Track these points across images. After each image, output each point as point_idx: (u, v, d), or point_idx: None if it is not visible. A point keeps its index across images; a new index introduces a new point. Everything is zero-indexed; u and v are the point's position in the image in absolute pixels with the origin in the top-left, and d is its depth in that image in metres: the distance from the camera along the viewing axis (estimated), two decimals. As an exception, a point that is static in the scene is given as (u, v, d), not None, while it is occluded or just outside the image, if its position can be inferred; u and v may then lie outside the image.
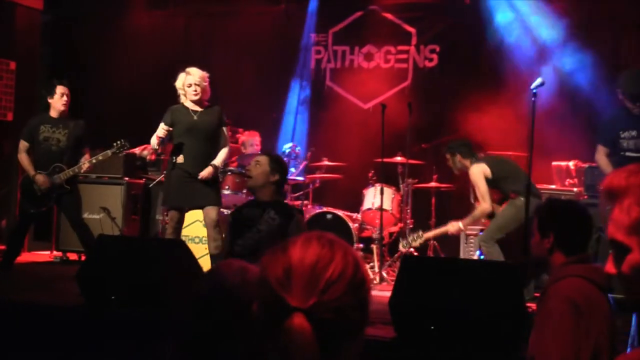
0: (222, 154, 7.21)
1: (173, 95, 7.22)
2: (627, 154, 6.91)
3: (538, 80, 6.83)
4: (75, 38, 11.16)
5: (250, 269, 2.44)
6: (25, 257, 9.65)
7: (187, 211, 7.31)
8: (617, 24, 9.24)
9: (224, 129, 7.28)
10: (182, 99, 7.20)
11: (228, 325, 2.27)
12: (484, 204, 7.41)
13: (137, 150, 9.13)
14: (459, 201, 8.97)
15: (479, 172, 7.44)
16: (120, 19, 11.16)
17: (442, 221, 8.65)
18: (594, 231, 4.02)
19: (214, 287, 2.36)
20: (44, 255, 9.73)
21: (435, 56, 10.01)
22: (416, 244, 7.85)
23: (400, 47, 10.27)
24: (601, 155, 7.05)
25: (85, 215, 8.88)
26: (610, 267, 1.67)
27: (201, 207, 7.19)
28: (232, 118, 10.04)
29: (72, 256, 9.30)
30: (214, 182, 7.21)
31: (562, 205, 3.73)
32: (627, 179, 1.61)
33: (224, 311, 2.32)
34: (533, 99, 6.82)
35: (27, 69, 10.31)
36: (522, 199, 7.02)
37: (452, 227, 7.69)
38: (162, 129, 7.01)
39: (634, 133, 6.87)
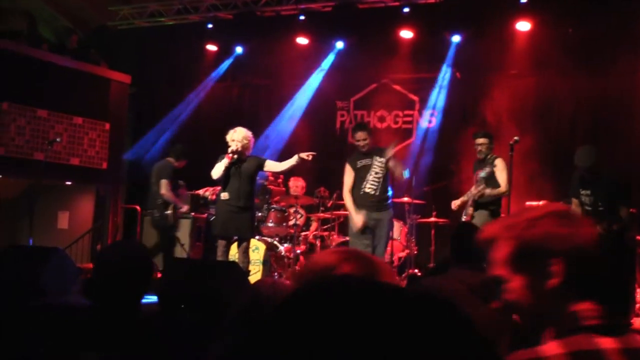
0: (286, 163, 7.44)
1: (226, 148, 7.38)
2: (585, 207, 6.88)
3: (515, 138, 6.92)
4: (153, 104, 11.42)
5: (279, 284, 2.53)
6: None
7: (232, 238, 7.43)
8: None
9: (268, 161, 7.46)
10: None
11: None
12: (505, 188, 7.15)
13: (200, 192, 9.28)
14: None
15: (506, 166, 7.26)
16: (189, 90, 11.39)
17: (440, 249, 8.70)
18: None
19: (252, 299, 2.46)
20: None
21: (434, 119, 10.10)
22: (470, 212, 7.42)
23: (406, 112, 10.40)
24: (575, 207, 6.98)
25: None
26: (495, 303, 1.66)
27: (239, 237, 7.33)
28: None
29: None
30: (251, 219, 7.38)
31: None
32: (497, 225, 1.64)
33: (260, 317, 2.42)
34: (511, 152, 6.92)
35: (117, 128, 10.57)
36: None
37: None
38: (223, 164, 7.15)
39: (588, 192, 6.83)
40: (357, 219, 7.41)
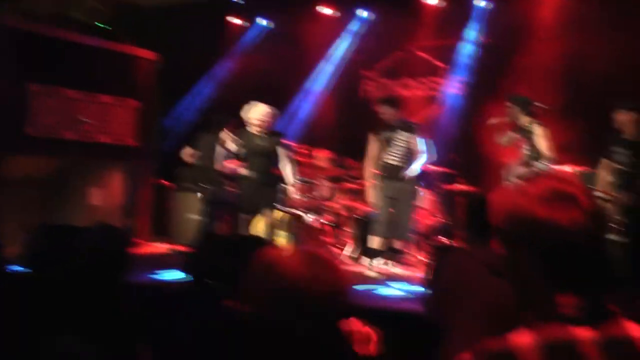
0: (289, 171, 7.40)
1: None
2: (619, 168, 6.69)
3: (538, 104, 6.81)
4: (180, 80, 11.45)
5: (277, 258, 2.55)
6: (146, 249, 9.90)
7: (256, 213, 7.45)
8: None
9: (283, 154, 7.42)
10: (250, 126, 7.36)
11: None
12: (550, 154, 6.95)
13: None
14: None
15: (545, 132, 7.05)
16: (214, 64, 11.47)
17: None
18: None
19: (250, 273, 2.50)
20: (162, 247, 9.89)
21: (460, 85, 9.99)
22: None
23: (432, 79, 10.29)
24: (602, 170, 6.83)
25: (189, 216, 9.12)
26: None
27: (264, 210, 7.38)
28: (303, 138, 10.17)
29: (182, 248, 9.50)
30: (275, 192, 7.45)
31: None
32: (495, 197, 1.57)
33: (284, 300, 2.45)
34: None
35: (146, 105, 10.67)
36: None
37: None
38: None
39: (630, 152, 6.62)
40: (369, 192, 7.71)
